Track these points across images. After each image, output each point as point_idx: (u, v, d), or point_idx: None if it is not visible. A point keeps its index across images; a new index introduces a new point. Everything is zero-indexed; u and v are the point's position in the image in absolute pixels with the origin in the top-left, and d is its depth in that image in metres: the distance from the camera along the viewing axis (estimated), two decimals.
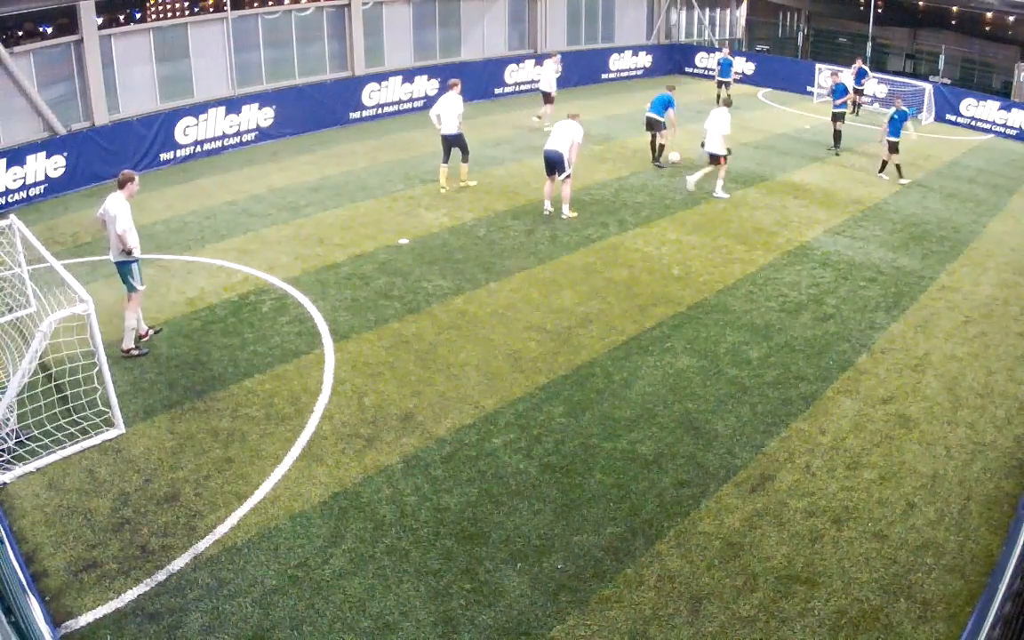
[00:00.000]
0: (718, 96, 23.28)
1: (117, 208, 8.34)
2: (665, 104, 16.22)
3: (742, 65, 27.35)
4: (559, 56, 20.47)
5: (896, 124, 15.58)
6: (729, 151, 14.48)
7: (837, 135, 18.11)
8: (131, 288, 8.53)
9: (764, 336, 9.29)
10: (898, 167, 15.80)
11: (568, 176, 12.76)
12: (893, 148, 15.68)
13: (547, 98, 19.56)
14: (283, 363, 8.52)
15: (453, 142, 14.14)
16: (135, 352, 8.63)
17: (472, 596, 5.54)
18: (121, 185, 8.51)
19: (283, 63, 19.62)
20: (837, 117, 17.95)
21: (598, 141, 18.36)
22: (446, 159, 14.35)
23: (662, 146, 16.64)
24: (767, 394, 8.07)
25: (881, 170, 16.06)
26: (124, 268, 8.49)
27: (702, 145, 14.56)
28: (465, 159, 14.40)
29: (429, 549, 5.96)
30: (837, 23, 30.86)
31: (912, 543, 6.06)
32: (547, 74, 19.55)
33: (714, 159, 14.35)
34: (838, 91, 18.09)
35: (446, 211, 13.29)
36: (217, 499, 6.44)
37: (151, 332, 9.00)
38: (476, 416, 7.62)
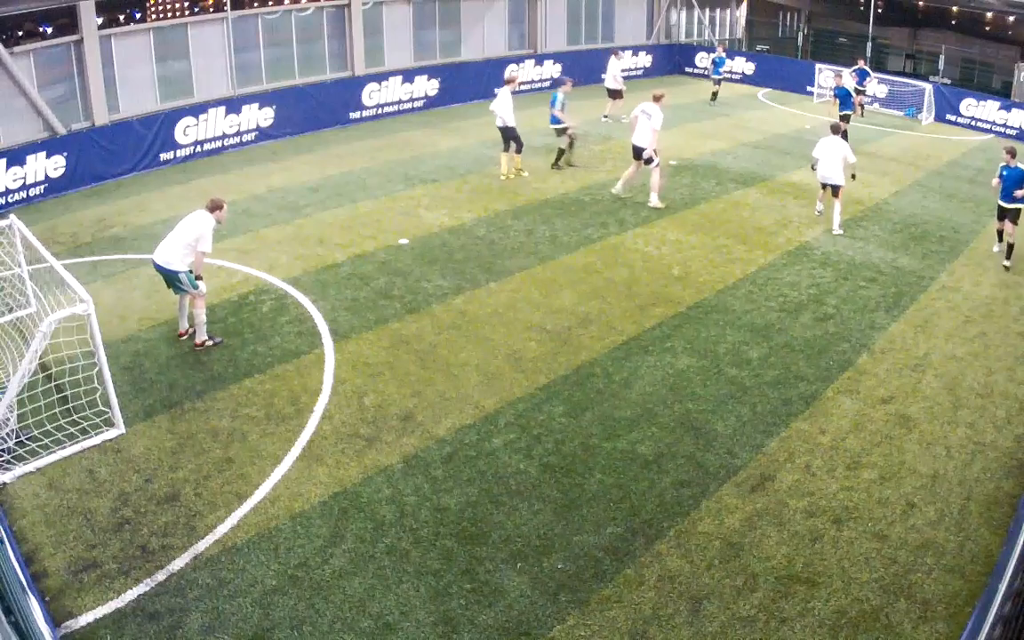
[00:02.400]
0: (714, 94, 23.40)
1: (203, 229, 8.39)
2: (551, 104, 15.49)
3: (742, 65, 27.35)
4: (620, 52, 21.28)
5: (1014, 182, 11.42)
6: (853, 176, 13.76)
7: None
8: (181, 292, 8.63)
9: (764, 336, 9.29)
10: (1011, 246, 11.60)
11: (656, 164, 13.56)
12: (1014, 218, 11.55)
13: (615, 94, 20.47)
14: (283, 363, 8.52)
15: (504, 133, 14.99)
16: (209, 342, 8.80)
17: (472, 596, 5.54)
18: (212, 210, 8.57)
19: (283, 63, 19.61)
20: (842, 119, 18.03)
21: (598, 141, 18.36)
22: (506, 147, 15.12)
23: (562, 150, 15.85)
24: (767, 394, 8.07)
25: (1007, 257, 11.68)
26: (176, 277, 8.48)
27: (812, 167, 13.24)
28: (518, 150, 15.08)
29: (429, 549, 5.96)
30: (837, 23, 30.86)
31: (912, 543, 6.06)
32: (613, 72, 20.39)
33: (834, 190, 12.85)
34: (839, 94, 18.19)
35: (446, 211, 13.29)
36: (217, 499, 6.44)
37: (214, 341, 8.97)
38: (476, 416, 7.62)
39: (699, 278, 10.84)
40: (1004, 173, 11.62)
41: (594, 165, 16.22)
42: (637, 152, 13.54)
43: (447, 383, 8.17)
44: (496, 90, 15.44)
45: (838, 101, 18.57)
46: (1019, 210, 11.57)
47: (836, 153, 12.80)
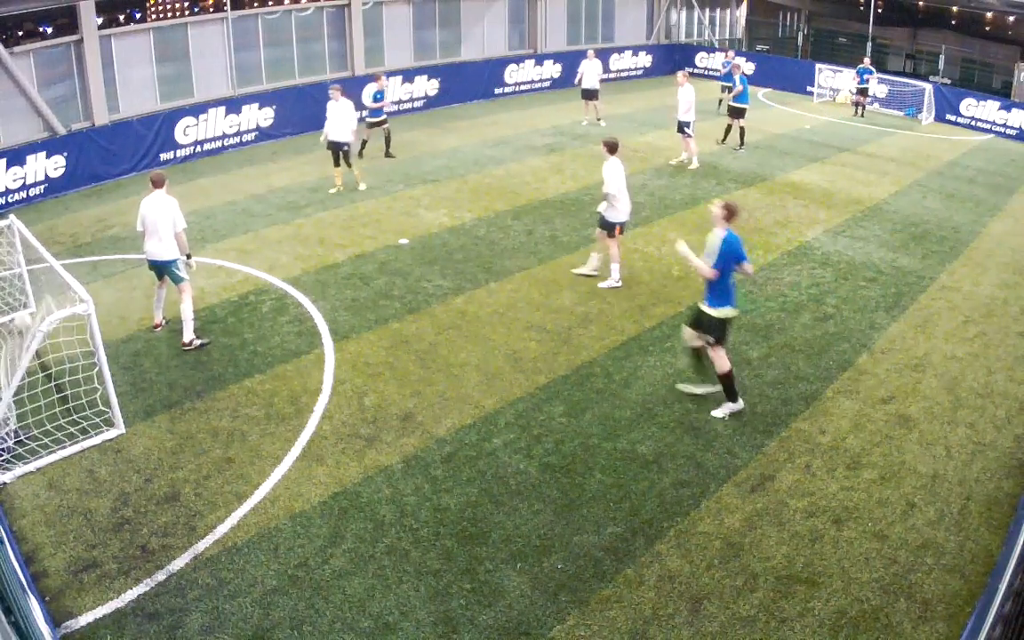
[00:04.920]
0: (721, 101, 21.26)
1: (174, 209, 8.56)
2: (378, 99, 16.10)
3: (742, 65, 27.28)
4: (593, 52, 20.33)
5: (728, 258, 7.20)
6: (603, 204, 10.22)
7: (741, 132, 17.77)
8: (180, 280, 8.74)
9: (764, 336, 9.28)
10: (726, 379, 7.49)
11: (689, 136, 16.06)
12: (714, 335, 7.33)
13: (592, 95, 19.75)
14: (283, 363, 8.52)
15: (338, 147, 13.94)
16: (197, 343, 8.78)
17: (472, 596, 5.53)
18: (159, 183, 8.67)
19: (283, 63, 19.63)
20: (735, 113, 17.68)
21: (598, 141, 18.31)
22: (336, 163, 14.11)
23: (363, 143, 16.30)
24: (767, 394, 8.07)
25: (730, 398, 7.55)
26: (173, 265, 8.67)
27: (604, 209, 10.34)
28: (347, 162, 14.11)
29: (429, 549, 5.96)
30: (837, 23, 30.87)
31: (912, 543, 6.06)
32: (592, 73, 19.59)
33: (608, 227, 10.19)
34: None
35: (446, 211, 13.29)
36: (217, 499, 6.44)
37: (165, 322, 9.21)
38: (476, 416, 7.62)
39: (699, 278, 10.79)
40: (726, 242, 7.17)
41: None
42: (680, 127, 15.94)
43: (447, 383, 8.17)
44: (329, 106, 13.90)
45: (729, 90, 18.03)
46: (724, 323, 7.29)
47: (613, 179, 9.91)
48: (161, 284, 9.02)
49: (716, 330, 7.25)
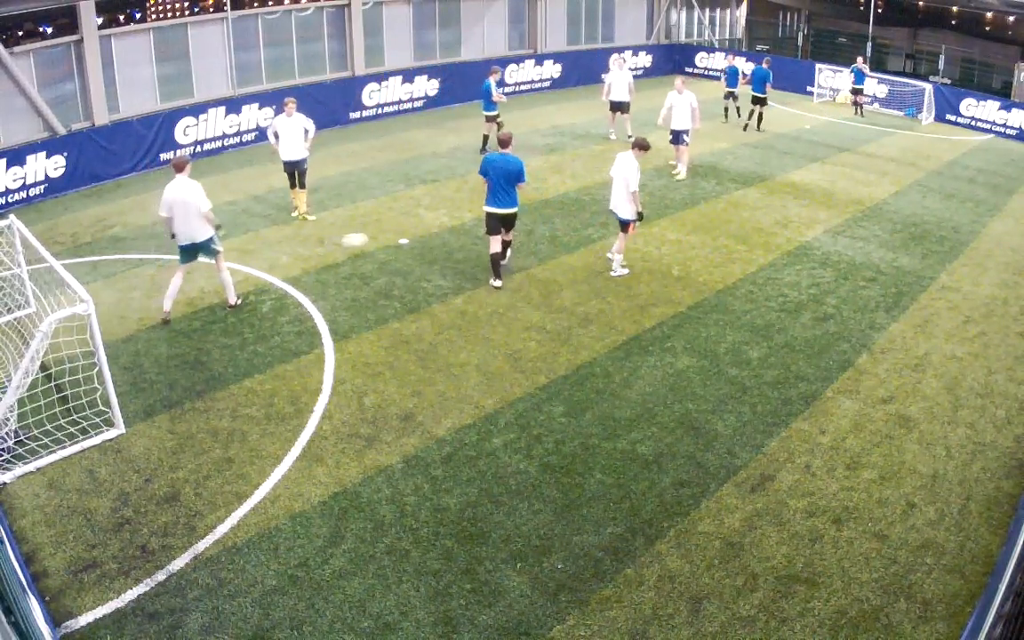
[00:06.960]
0: (726, 109, 20.85)
1: (199, 192, 9.07)
2: (489, 92, 16.22)
3: (742, 65, 27.28)
4: (623, 59, 19.15)
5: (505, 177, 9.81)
6: (640, 216, 10.58)
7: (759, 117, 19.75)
8: (216, 253, 9.43)
9: (764, 336, 9.28)
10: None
11: (687, 144, 15.50)
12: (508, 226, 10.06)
13: (622, 107, 17.79)
14: (283, 363, 8.52)
15: (296, 167, 12.59)
16: (240, 302, 9.74)
17: (472, 596, 5.54)
18: (182, 168, 9.17)
19: (283, 63, 19.62)
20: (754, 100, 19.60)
21: (598, 141, 18.35)
22: (293, 184, 12.84)
23: (487, 137, 16.71)
24: (767, 394, 8.07)
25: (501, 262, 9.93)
26: (211, 241, 9.31)
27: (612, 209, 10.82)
28: (302, 185, 12.85)
29: (429, 549, 5.96)
30: (837, 23, 30.88)
31: (912, 543, 6.06)
32: (622, 80, 17.58)
33: (622, 225, 10.66)
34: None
35: (446, 211, 13.29)
36: (217, 499, 6.44)
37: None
38: (476, 416, 7.62)
39: (699, 278, 10.83)
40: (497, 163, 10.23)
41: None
42: (677, 136, 15.37)
43: (447, 383, 8.17)
44: (279, 120, 12.43)
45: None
46: (489, 216, 10.40)
47: (621, 178, 10.38)
48: (184, 269, 9.40)
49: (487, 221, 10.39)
